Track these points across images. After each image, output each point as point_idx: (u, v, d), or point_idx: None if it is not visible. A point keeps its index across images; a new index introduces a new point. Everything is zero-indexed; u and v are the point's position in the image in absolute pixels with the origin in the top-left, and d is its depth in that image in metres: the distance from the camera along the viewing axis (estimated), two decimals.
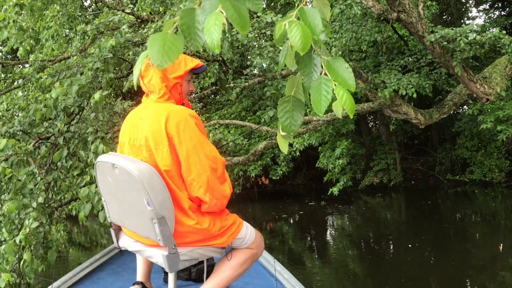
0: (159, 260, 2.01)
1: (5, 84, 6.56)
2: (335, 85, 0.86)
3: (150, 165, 1.93)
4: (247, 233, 2.21)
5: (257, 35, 4.91)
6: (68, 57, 5.19)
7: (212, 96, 13.98)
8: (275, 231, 10.08)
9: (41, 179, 3.01)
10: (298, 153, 10.98)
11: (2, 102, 5.92)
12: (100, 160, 2.05)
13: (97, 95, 3.00)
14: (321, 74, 0.89)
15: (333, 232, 9.63)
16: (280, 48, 0.95)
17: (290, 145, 11.14)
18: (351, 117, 0.92)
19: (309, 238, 9.27)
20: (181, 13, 0.75)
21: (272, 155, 12.04)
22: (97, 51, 3.62)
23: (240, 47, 5.27)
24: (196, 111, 12.90)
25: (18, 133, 4.06)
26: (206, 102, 14.25)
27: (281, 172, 11.77)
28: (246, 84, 5.53)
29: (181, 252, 1.99)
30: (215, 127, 10.70)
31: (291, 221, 11.08)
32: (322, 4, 0.91)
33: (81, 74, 3.77)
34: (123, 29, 3.67)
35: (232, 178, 12.67)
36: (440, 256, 6.75)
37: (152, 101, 2.10)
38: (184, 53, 4.37)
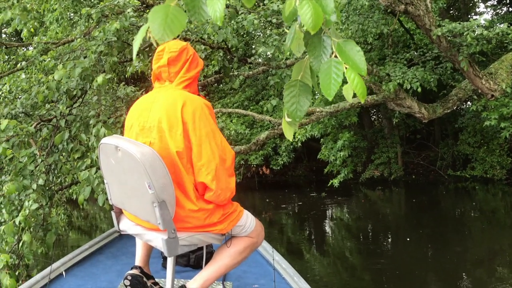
0: (158, 244, 2.01)
1: (8, 66, 6.53)
2: (345, 68, 0.83)
3: (159, 146, 1.97)
4: (248, 221, 2.21)
5: (262, 23, 4.87)
6: (72, 40, 5.16)
7: (215, 84, 13.95)
8: (275, 221, 10.09)
9: (42, 161, 3.00)
10: (299, 144, 10.98)
11: (5, 84, 5.90)
12: (103, 142, 2.06)
13: (100, 78, 2.98)
14: (330, 57, 0.86)
15: (332, 224, 9.64)
16: (287, 31, 0.93)
17: (293, 135, 11.10)
18: (363, 101, 0.89)
19: (308, 229, 9.29)
20: None
21: (274, 145, 12.03)
22: (101, 35, 3.59)
23: (245, 35, 5.24)
24: None
25: (20, 115, 4.05)
26: (209, 90, 14.22)
27: (282, 163, 11.78)
28: (250, 72, 5.50)
29: (180, 237, 2.00)
30: (218, 115, 10.67)
31: (291, 212, 11.09)
32: None
33: (85, 57, 3.75)
34: (128, 12, 3.64)
35: (234, 168, 12.67)
36: (438, 251, 6.76)
37: (168, 87, 2.14)
38: (185, 39, 4.35)
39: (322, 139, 11.41)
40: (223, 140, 2.07)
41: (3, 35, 15.53)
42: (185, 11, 0.74)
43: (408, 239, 7.60)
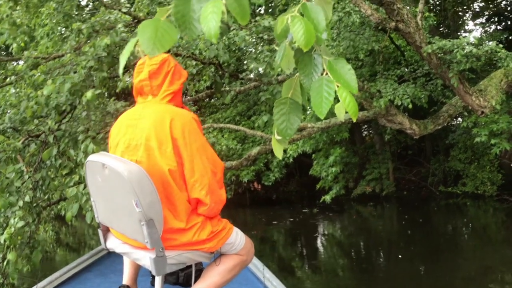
0: (146, 263, 1.97)
1: None
2: (337, 86, 0.81)
3: (147, 165, 1.92)
4: (237, 239, 2.17)
5: (254, 39, 4.88)
6: (62, 55, 5.12)
7: (207, 99, 13.94)
8: (266, 237, 10.02)
9: (29, 177, 2.95)
10: (291, 160, 10.96)
11: None
12: (90, 160, 2.01)
13: (89, 94, 2.94)
14: (321, 75, 0.84)
15: (324, 240, 9.59)
16: (277, 48, 0.91)
17: (284, 151, 11.10)
18: (354, 120, 0.87)
19: (300, 246, 9.23)
20: (175, 0, 0.70)
21: (265, 160, 11.99)
22: (91, 50, 3.57)
23: (237, 51, 5.24)
24: None
25: (8, 130, 3.99)
26: (201, 105, 14.20)
27: (274, 178, 11.74)
28: (242, 88, 5.49)
29: (168, 256, 1.95)
30: (209, 130, 10.64)
31: (283, 228, 11.03)
32: (325, 2, 0.86)
33: (75, 72, 3.72)
34: (119, 28, 3.62)
35: (224, 182, 12.54)
36: (429, 267, 6.73)
37: (152, 102, 2.09)
38: (176, 54, 4.34)
39: (313, 155, 11.41)
40: (213, 153, 2.05)
41: None
42: (176, 26, 0.72)
43: (400, 256, 7.56)
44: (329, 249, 8.73)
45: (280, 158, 1.04)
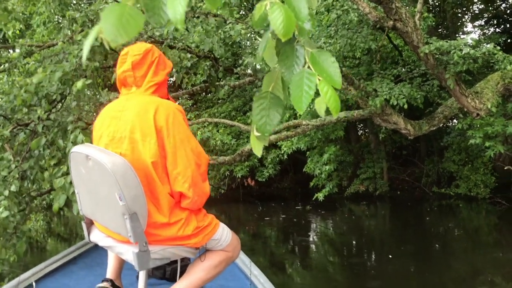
0: (129, 257, 1.94)
1: None
2: (318, 80, 0.78)
3: (131, 158, 1.89)
4: (223, 234, 2.14)
5: (251, 34, 4.84)
6: (56, 44, 5.06)
7: (203, 94, 13.89)
8: (258, 233, 10.00)
9: (16, 166, 2.90)
10: (286, 157, 10.94)
11: None
12: (74, 151, 1.98)
13: (79, 83, 2.90)
14: (303, 68, 0.80)
15: (316, 237, 9.57)
16: (259, 39, 0.87)
17: (278, 147, 11.07)
18: (335, 116, 0.84)
19: (291, 243, 9.21)
20: None
21: (260, 156, 11.96)
22: (84, 39, 3.52)
23: (233, 45, 5.19)
24: (185, 108, 12.83)
25: None
26: (197, 99, 14.14)
27: (268, 175, 11.72)
28: (236, 83, 5.45)
29: (152, 250, 1.92)
30: (204, 125, 10.60)
31: (275, 224, 11.01)
32: None
33: (67, 61, 3.66)
34: None
35: (218, 178, 12.58)
36: (420, 268, 6.73)
37: (136, 93, 2.05)
38: (171, 47, 4.29)
39: (308, 152, 11.39)
40: (198, 145, 2.01)
41: None
42: (144, 12, 0.67)
43: (390, 256, 7.56)
44: (321, 246, 8.72)
45: (259, 156, 0.99)
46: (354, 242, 8.90)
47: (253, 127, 0.89)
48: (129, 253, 1.91)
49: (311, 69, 0.78)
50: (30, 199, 4.18)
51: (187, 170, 1.91)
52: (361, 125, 15.21)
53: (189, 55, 4.37)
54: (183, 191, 1.92)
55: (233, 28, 4.10)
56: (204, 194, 2.00)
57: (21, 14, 6.46)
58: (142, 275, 2.09)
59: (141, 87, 2.05)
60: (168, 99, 2.14)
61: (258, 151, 0.96)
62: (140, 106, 1.96)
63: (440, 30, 13.90)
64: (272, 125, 0.84)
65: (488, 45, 6.01)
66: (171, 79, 14.59)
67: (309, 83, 0.77)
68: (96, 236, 2.14)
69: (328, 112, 0.78)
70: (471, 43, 6.08)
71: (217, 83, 4.97)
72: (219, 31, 4.10)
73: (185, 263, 2.66)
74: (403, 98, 6.41)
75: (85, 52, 0.72)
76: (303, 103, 0.77)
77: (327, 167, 10.46)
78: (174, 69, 4.28)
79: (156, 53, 2.11)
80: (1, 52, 6.57)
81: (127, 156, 1.90)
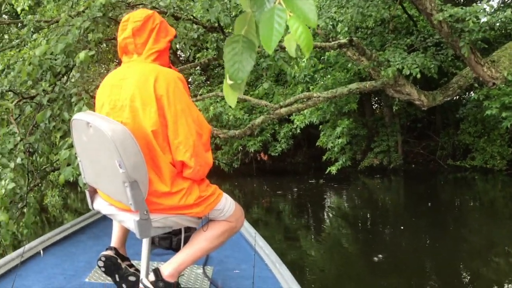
0: (130, 225, 1.94)
1: (1, 45, 6.43)
2: (289, 16, 0.72)
3: (132, 126, 1.86)
4: (226, 205, 2.12)
5: None
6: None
7: (216, 69, 13.80)
8: (272, 207, 10.03)
9: (21, 139, 2.91)
10: (298, 131, 10.88)
11: None
12: (75, 118, 1.96)
13: (82, 55, 2.87)
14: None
15: (329, 211, 9.57)
16: None
17: (291, 121, 11.00)
18: (306, 55, 0.78)
19: (305, 216, 9.22)
20: None
21: (273, 131, 11.92)
22: (87, 11, 3.48)
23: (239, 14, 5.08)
24: (198, 84, 12.77)
25: (8, 93, 3.94)
26: (210, 75, 14.08)
27: (281, 149, 11.71)
28: None
29: (153, 219, 1.92)
30: (217, 100, 10.56)
31: (289, 198, 11.03)
32: None
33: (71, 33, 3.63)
34: None
35: (231, 153, 12.59)
36: (435, 240, 6.69)
37: (137, 61, 2.02)
38: (176, 17, 4.22)
39: (321, 126, 11.31)
40: (199, 115, 1.98)
41: (4, 16, 15.41)
42: None
43: (404, 227, 7.53)
44: (334, 220, 8.72)
45: (233, 106, 0.93)
46: (368, 215, 8.88)
47: (226, 76, 0.83)
48: (131, 221, 1.91)
49: (282, 6, 0.72)
50: (44, 175, 4.21)
51: (188, 139, 1.89)
52: (376, 98, 15.03)
53: (195, 26, 4.29)
54: (184, 161, 1.90)
55: None
56: (207, 164, 1.98)
57: None
58: (145, 243, 2.09)
59: (141, 55, 2.02)
60: (170, 67, 2.11)
61: (232, 101, 0.90)
62: (140, 74, 1.92)
63: None
64: (245, 72, 0.78)
65: (506, 12, 5.80)
66: (182, 54, 14.55)
67: (279, 20, 0.71)
68: (99, 205, 2.15)
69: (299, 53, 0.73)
70: (488, 9, 5.89)
71: None
72: (225, 0, 4.02)
73: (189, 233, 2.66)
74: (416, 67, 6.27)
75: None
76: (273, 41, 0.71)
77: (340, 140, 10.39)
78: (180, 42, 4.22)
79: (157, 19, 2.07)
80: (11, 28, 6.58)
81: (128, 125, 1.88)
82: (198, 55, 10.04)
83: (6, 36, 6.52)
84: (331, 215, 9.21)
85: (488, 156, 11.50)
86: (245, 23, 0.80)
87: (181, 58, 14.77)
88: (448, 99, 7.23)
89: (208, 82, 13.71)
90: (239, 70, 0.79)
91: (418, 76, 6.25)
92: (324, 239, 7.29)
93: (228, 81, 0.84)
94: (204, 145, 1.97)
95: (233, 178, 12.75)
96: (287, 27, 0.74)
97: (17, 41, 5.72)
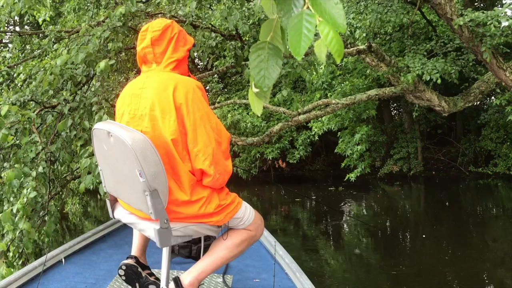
0: (151, 234, 1.94)
1: (23, 55, 6.55)
2: (318, 21, 0.69)
3: (152, 135, 1.88)
4: (246, 213, 2.10)
5: None
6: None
7: (234, 77, 13.85)
8: (290, 215, 9.97)
9: (43, 148, 2.94)
10: (317, 138, 10.83)
11: (20, 73, 5.92)
12: (96, 127, 1.97)
13: (102, 64, 2.89)
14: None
15: (348, 219, 9.46)
16: None
17: (309, 128, 10.95)
18: (338, 62, 0.75)
19: (324, 224, 9.14)
20: None
21: (290, 138, 11.89)
22: (107, 20, 3.51)
23: (259, 24, 5.10)
24: (216, 92, 12.81)
25: (30, 103, 4.01)
26: (227, 82, 14.14)
27: (299, 156, 11.66)
28: None
29: (173, 228, 1.91)
30: (234, 107, 10.59)
31: (307, 206, 10.96)
32: None
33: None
34: None
35: (249, 160, 12.59)
36: (457, 249, 6.55)
37: (156, 70, 2.04)
38: (195, 26, 4.23)
39: (339, 133, 11.24)
40: (218, 123, 1.97)
41: (26, 27, 15.77)
42: None
43: (426, 236, 7.40)
44: (354, 228, 8.61)
45: (259, 114, 0.91)
46: (388, 223, 8.75)
47: (251, 84, 0.81)
48: (151, 230, 1.91)
49: (310, 10, 0.70)
50: (65, 183, 4.26)
51: (207, 147, 1.88)
52: (395, 104, 14.88)
53: (213, 35, 4.31)
54: (204, 169, 1.90)
55: (255, 3, 4.01)
56: (226, 172, 1.97)
57: (50, 1, 6.54)
58: (165, 252, 2.08)
59: (160, 64, 2.04)
60: (188, 76, 2.11)
61: (258, 109, 0.88)
62: (160, 83, 1.93)
63: (476, 3, 13.34)
64: (271, 79, 0.76)
65: None
66: (200, 62, 14.65)
67: (308, 25, 0.69)
68: (120, 213, 2.15)
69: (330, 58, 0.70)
70: (510, 13, 5.80)
71: (243, 62, 4.91)
72: (243, 8, 4.03)
73: (209, 242, 2.65)
74: (437, 73, 6.18)
75: None
76: (302, 47, 0.69)
77: (359, 147, 10.29)
78: (199, 50, 4.24)
79: (176, 29, 2.07)
80: (33, 38, 6.70)
81: (148, 134, 1.89)
82: (216, 63, 10.11)
83: (28, 47, 6.64)
84: (350, 223, 9.10)
85: (511, 163, 11.27)
86: (270, 29, 0.78)
87: (199, 66, 14.88)
88: (469, 104, 7.12)
89: (226, 90, 13.76)
90: (265, 78, 0.77)
91: (439, 81, 6.16)
92: (344, 247, 7.21)
93: (253, 89, 0.82)
94: (223, 153, 1.96)
95: (251, 185, 12.73)
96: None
97: (38, 51, 5.82)
